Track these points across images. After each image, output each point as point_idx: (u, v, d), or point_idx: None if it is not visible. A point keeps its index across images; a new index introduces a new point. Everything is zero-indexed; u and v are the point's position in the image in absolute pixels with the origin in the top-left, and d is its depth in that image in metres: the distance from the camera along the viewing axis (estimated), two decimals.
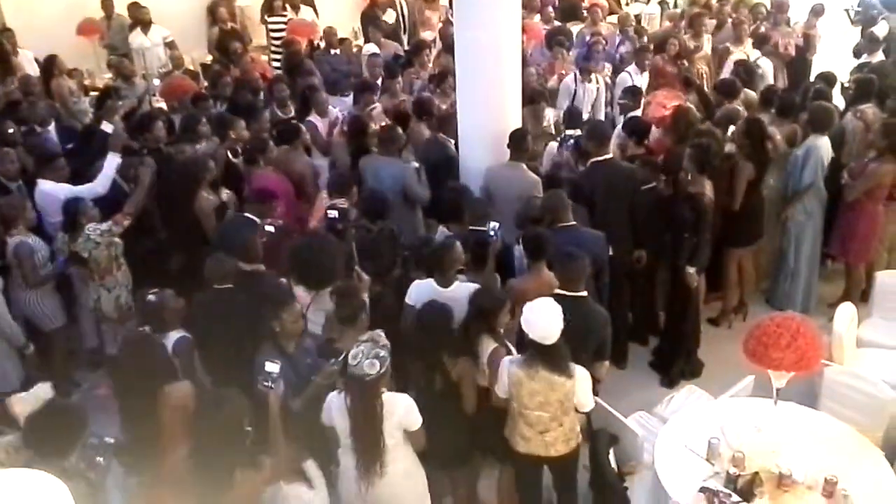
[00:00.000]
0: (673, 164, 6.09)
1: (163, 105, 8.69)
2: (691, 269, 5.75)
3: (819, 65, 9.70)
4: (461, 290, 4.78)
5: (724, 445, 4.16)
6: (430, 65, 9.30)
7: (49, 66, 9.20)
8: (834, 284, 7.09)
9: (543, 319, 3.99)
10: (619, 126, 7.10)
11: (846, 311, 5.42)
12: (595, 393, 4.36)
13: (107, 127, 7.30)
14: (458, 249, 4.91)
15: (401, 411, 3.91)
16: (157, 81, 9.64)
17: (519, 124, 6.37)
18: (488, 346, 4.36)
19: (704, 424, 4.36)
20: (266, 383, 3.94)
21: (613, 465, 4.53)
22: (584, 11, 11.44)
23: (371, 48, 10.02)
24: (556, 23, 11.17)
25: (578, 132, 6.65)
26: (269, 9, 11.49)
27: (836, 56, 10.04)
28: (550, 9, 11.73)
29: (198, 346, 4.75)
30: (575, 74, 8.51)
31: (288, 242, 5.42)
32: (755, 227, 6.53)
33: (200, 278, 4.95)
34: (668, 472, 4.11)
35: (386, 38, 10.56)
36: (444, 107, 7.44)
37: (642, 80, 8.67)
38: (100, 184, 6.23)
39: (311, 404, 4.16)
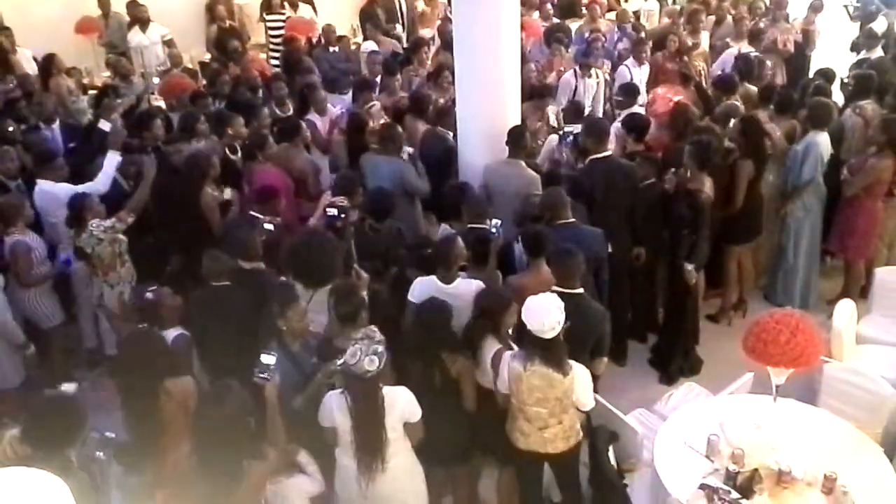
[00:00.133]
0: (672, 161, 6.09)
1: (161, 104, 8.68)
2: (690, 267, 5.74)
3: (818, 61, 9.70)
4: (463, 287, 4.81)
5: (723, 442, 4.17)
6: (429, 62, 9.29)
7: (48, 64, 9.20)
8: (833, 281, 7.08)
9: (543, 311, 3.99)
10: (619, 122, 7.09)
11: (845, 308, 5.42)
12: (594, 390, 4.35)
13: (104, 125, 7.30)
14: (460, 245, 4.92)
15: (402, 404, 3.94)
16: (156, 80, 9.64)
17: (518, 121, 6.36)
18: (492, 346, 4.36)
19: (704, 421, 4.36)
20: (262, 375, 3.91)
21: (613, 462, 4.54)
22: (583, 8, 11.43)
23: (370, 45, 10.02)
24: (555, 20, 11.18)
25: (578, 128, 6.64)
26: (267, 7, 11.47)
27: (835, 52, 10.05)
28: (549, 5, 11.71)
29: (195, 343, 4.75)
30: (575, 70, 8.51)
31: (287, 240, 5.41)
32: (754, 225, 6.53)
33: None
34: (667, 469, 4.12)
35: (384, 34, 10.56)
36: (441, 101, 7.43)
37: (641, 73, 8.68)
38: (100, 182, 6.23)
39: (311, 403, 4.16)
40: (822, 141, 6.49)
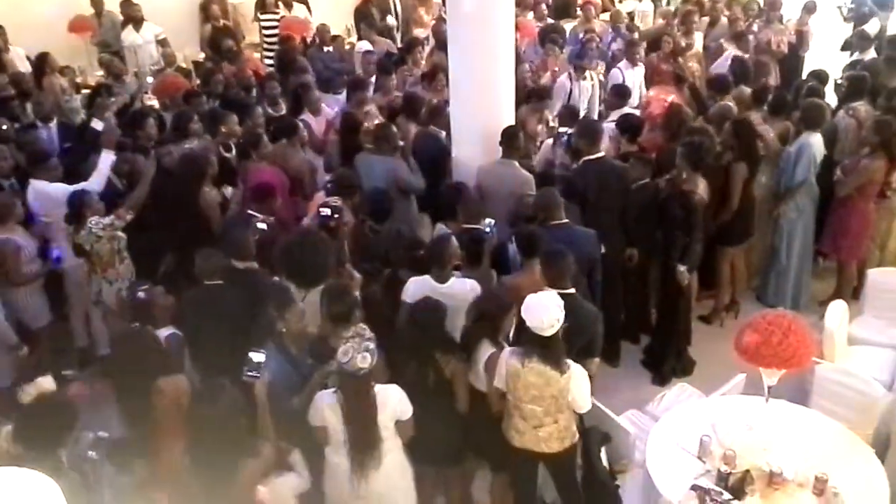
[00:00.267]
0: (666, 162, 6.10)
1: (155, 103, 8.67)
2: (682, 268, 5.75)
3: (812, 62, 9.73)
4: (458, 287, 4.83)
5: (715, 443, 4.17)
6: (424, 62, 9.29)
7: (41, 63, 9.16)
8: (825, 282, 7.11)
9: (542, 309, 4.00)
10: (612, 124, 7.10)
11: (837, 309, 5.43)
12: None
13: (97, 124, 7.28)
14: (455, 244, 4.93)
15: (394, 402, 3.95)
16: (149, 79, 9.63)
17: (512, 122, 6.37)
18: (486, 350, 4.35)
19: (696, 422, 4.37)
20: (251, 373, 3.91)
21: (605, 463, 4.55)
22: (578, 9, 11.44)
23: (364, 45, 10.01)
24: (550, 20, 11.18)
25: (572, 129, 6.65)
26: (261, 6, 11.46)
27: (828, 53, 10.07)
28: (544, 6, 11.72)
29: (188, 343, 4.75)
30: (569, 73, 8.52)
31: (281, 239, 5.40)
32: (746, 226, 6.54)
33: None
34: (659, 471, 4.12)
35: (379, 34, 10.56)
36: (434, 102, 7.43)
37: (633, 75, 8.68)
38: (94, 181, 6.19)
39: (307, 404, 4.15)
40: (815, 142, 6.51)
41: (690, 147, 5.81)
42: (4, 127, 7.02)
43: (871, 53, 8.98)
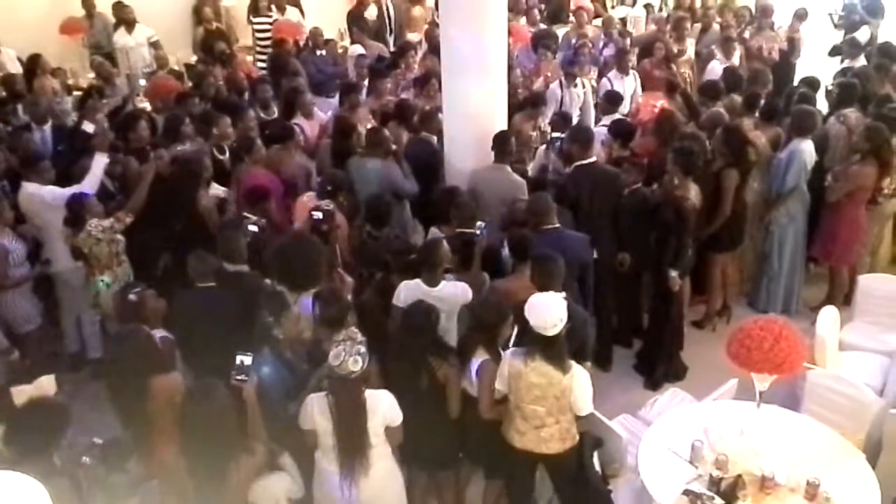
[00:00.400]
0: (658, 168, 6.11)
1: (147, 105, 8.64)
2: (674, 273, 5.76)
3: (803, 69, 9.77)
4: (448, 290, 4.84)
5: (707, 448, 4.17)
6: (416, 66, 9.29)
7: (32, 65, 9.11)
8: (817, 287, 7.12)
9: (546, 308, 4.01)
10: (605, 129, 7.11)
11: (829, 315, 5.44)
12: None
13: (88, 127, 7.25)
14: (445, 248, 4.93)
15: (384, 408, 3.94)
16: (142, 82, 9.59)
17: (504, 127, 6.37)
18: (480, 357, 4.33)
19: (688, 427, 4.37)
20: (239, 377, 3.89)
21: (597, 467, 4.54)
22: (570, 14, 11.47)
23: (357, 49, 10.01)
24: (542, 25, 11.20)
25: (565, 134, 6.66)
26: (254, 9, 11.45)
27: (819, 60, 10.12)
28: (536, 11, 11.75)
29: (179, 345, 4.72)
30: (560, 80, 8.53)
31: (273, 242, 5.38)
32: (737, 233, 6.56)
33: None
34: (651, 475, 4.12)
35: (370, 38, 10.56)
36: (427, 108, 7.43)
37: (624, 84, 8.68)
38: (88, 184, 6.13)
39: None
40: (807, 148, 6.53)
41: (681, 153, 5.83)
42: None
43: (861, 61, 9.03)
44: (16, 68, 9.55)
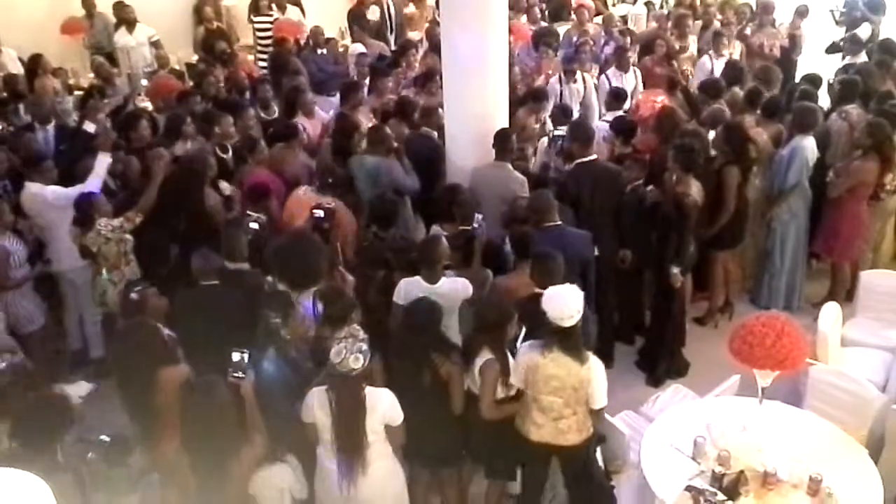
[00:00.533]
0: (660, 165, 6.11)
1: (148, 105, 8.65)
2: (675, 270, 5.76)
3: (804, 65, 9.76)
4: (448, 286, 4.85)
5: (709, 444, 4.18)
6: (417, 65, 9.29)
7: (33, 65, 9.14)
8: (819, 283, 7.12)
9: (563, 299, 4.03)
10: (606, 125, 7.11)
11: (831, 311, 5.44)
12: None
13: (89, 126, 7.25)
14: (444, 244, 4.93)
15: (384, 406, 3.93)
16: (143, 81, 9.59)
17: (506, 124, 6.37)
18: (483, 356, 4.33)
19: (690, 423, 4.37)
20: (235, 374, 3.90)
21: (600, 463, 4.55)
22: (571, 12, 11.46)
23: (358, 48, 10.01)
24: (543, 23, 11.19)
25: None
26: (255, 8, 11.45)
27: (821, 57, 10.12)
28: (537, 9, 11.74)
29: (181, 343, 4.72)
30: (560, 76, 8.53)
31: (274, 240, 5.38)
32: (738, 231, 6.55)
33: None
34: (654, 471, 4.13)
35: (371, 37, 10.55)
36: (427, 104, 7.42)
37: (623, 82, 8.67)
38: (90, 184, 6.12)
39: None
40: (808, 145, 6.53)
41: (682, 150, 5.82)
42: None
43: (862, 57, 9.02)
44: (17, 68, 9.56)
